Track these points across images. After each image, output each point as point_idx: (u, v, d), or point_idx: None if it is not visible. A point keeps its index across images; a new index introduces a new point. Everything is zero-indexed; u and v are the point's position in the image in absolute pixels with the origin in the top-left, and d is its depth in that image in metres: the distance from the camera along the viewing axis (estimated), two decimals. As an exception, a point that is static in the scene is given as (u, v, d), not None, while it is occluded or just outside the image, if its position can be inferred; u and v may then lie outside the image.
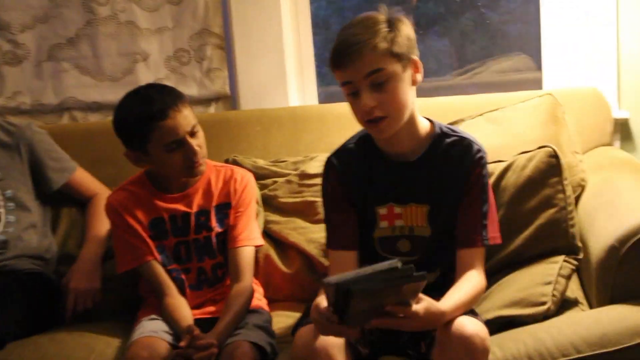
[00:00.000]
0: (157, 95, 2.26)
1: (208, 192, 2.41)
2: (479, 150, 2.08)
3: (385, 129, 2.00)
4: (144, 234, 2.35)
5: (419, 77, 2.03)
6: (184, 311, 2.30)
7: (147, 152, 2.30)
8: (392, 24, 1.99)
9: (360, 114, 2.00)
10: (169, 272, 2.36)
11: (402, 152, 2.09)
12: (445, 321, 1.87)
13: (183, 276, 2.38)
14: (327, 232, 2.16)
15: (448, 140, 2.09)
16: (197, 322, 2.25)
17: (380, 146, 2.10)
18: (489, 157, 2.12)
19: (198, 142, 2.30)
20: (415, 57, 2.02)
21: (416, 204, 2.09)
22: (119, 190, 2.42)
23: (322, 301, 1.82)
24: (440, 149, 2.08)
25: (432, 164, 2.08)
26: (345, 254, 2.10)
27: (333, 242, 2.14)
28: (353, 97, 1.99)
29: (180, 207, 2.38)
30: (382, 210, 2.11)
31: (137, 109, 2.27)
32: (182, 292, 2.36)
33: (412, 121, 2.05)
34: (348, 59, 1.95)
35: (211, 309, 2.37)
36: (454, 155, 2.08)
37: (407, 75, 2.00)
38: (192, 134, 2.29)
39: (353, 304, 1.69)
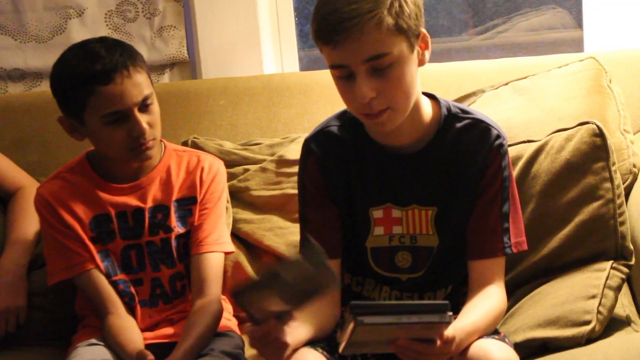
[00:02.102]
0: (105, 51, 2.27)
1: (167, 183, 2.41)
2: (499, 136, 2.10)
3: (386, 122, 1.99)
4: (83, 236, 2.36)
5: (427, 55, 2.02)
6: (133, 334, 2.31)
7: (83, 122, 2.30)
8: None
9: (355, 104, 1.97)
10: (114, 284, 2.37)
11: (401, 143, 2.09)
12: (459, 351, 1.89)
13: (133, 289, 2.39)
14: (301, 234, 2.18)
15: (459, 124, 2.10)
16: (150, 347, 2.26)
17: (372, 135, 2.11)
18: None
19: (150, 119, 2.30)
20: (423, 28, 1.99)
21: (419, 206, 2.11)
22: (53, 179, 2.42)
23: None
24: (450, 136, 2.09)
25: (439, 156, 2.09)
26: None
27: None
28: (345, 80, 1.96)
29: (131, 201, 2.39)
30: (378, 213, 2.12)
31: (76, 65, 2.27)
32: (131, 309, 2.38)
33: (415, 105, 2.03)
34: (344, 35, 1.89)
35: (168, 331, 2.39)
36: (466, 143, 2.09)
37: (415, 55, 1.98)
38: (144, 107, 2.29)
39: (355, 332, 1.74)
